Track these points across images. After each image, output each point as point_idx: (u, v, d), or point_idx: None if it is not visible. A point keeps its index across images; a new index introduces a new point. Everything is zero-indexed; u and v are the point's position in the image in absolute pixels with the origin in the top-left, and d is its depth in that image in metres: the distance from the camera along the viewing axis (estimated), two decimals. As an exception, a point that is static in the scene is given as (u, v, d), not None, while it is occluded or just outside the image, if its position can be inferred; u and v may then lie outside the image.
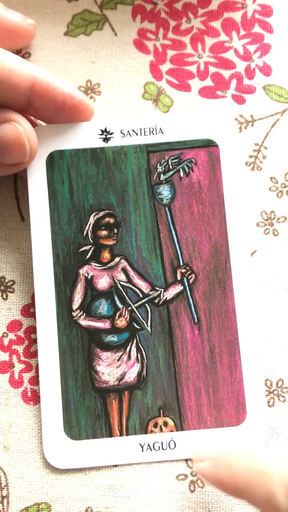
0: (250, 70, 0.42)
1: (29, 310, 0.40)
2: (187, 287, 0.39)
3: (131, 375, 0.38)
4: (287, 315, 0.40)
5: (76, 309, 0.39)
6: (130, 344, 0.39)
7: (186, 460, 0.38)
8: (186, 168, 0.40)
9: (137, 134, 0.40)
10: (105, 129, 0.40)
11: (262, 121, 0.42)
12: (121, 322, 0.39)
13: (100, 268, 0.39)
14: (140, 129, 0.40)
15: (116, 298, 0.39)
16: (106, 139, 0.40)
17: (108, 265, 0.39)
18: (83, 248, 0.39)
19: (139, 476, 0.38)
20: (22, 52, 0.42)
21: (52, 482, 0.38)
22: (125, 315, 0.39)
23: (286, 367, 0.39)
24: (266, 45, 0.43)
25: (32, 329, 0.40)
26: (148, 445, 0.38)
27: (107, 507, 0.37)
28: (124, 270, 0.39)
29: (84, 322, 0.39)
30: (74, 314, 0.39)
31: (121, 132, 0.40)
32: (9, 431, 0.38)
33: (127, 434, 0.38)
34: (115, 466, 0.38)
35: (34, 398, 0.39)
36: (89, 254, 0.39)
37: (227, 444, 0.38)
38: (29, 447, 0.38)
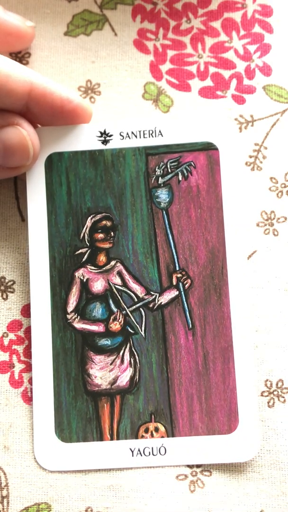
0: (250, 70, 0.42)
1: (29, 310, 0.40)
2: (183, 292, 0.39)
3: (124, 379, 0.38)
4: (287, 315, 0.39)
5: (71, 312, 0.39)
6: (123, 348, 0.39)
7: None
8: (185, 172, 0.40)
9: (136, 136, 0.40)
10: (104, 131, 0.40)
11: (262, 121, 0.41)
12: (115, 326, 0.39)
13: (96, 271, 0.39)
14: (139, 131, 0.40)
15: (111, 301, 0.39)
16: (105, 141, 0.40)
17: (104, 268, 0.39)
18: (80, 251, 0.39)
19: (139, 476, 0.38)
20: (22, 53, 0.42)
21: (52, 482, 0.38)
22: (119, 319, 0.39)
23: (286, 368, 0.39)
24: (266, 45, 0.42)
25: (32, 329, 0.40)
26: (139, 450, 0.38)
27: (107, 507, 0.38)
28: (119, 273, 0.39)
29: (78, 325, 0.39)
30: (68, 316, 0.39)
31: (120, 135, 0.40)
32: (9, 431, 0.39)
33: (117, 439, 0.38)
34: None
35: (33, 397, 0.39)
36: (85, 257, 0.39)
37: (218, 452, 0.38)
38: (29, 447, 0.38)
